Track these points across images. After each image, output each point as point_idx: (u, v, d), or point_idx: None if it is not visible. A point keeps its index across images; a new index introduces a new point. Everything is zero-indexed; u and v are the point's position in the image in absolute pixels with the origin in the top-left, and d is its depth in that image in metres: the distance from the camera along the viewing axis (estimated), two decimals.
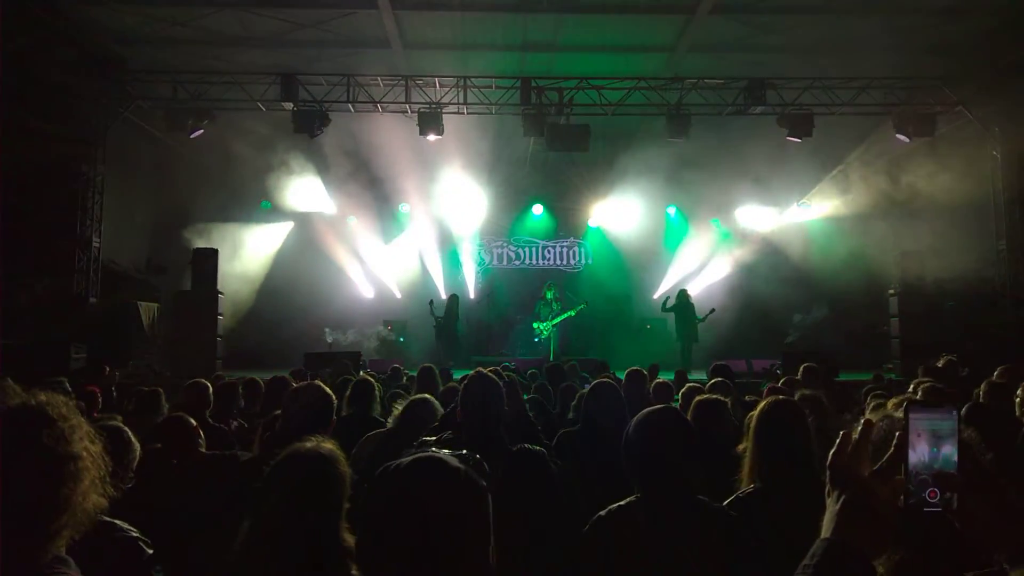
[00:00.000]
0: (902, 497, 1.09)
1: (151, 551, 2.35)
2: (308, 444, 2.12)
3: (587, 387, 4.99)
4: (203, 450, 3.77)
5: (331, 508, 1.99)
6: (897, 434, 1.11)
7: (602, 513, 2.65)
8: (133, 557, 2.28)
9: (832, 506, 1.12)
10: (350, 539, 2.00)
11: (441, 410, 4.26)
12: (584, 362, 11.72)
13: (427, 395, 4.50)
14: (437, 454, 1.50)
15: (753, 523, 2.66)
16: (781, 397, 3.14)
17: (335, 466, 2.08)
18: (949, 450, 1.11)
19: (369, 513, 1.44)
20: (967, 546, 1.10)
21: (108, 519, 2.06)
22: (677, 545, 2.47)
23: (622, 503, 2.65)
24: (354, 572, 1.90)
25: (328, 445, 2.14)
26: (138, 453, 3.11)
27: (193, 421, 3.79)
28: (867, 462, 1.12)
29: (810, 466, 2.86)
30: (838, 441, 1.15)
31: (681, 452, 2.63)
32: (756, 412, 2.98)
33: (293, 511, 1.97)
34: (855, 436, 1.14)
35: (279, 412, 4.50)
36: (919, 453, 1.11)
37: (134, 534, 2.32)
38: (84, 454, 1.49)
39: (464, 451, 1.74)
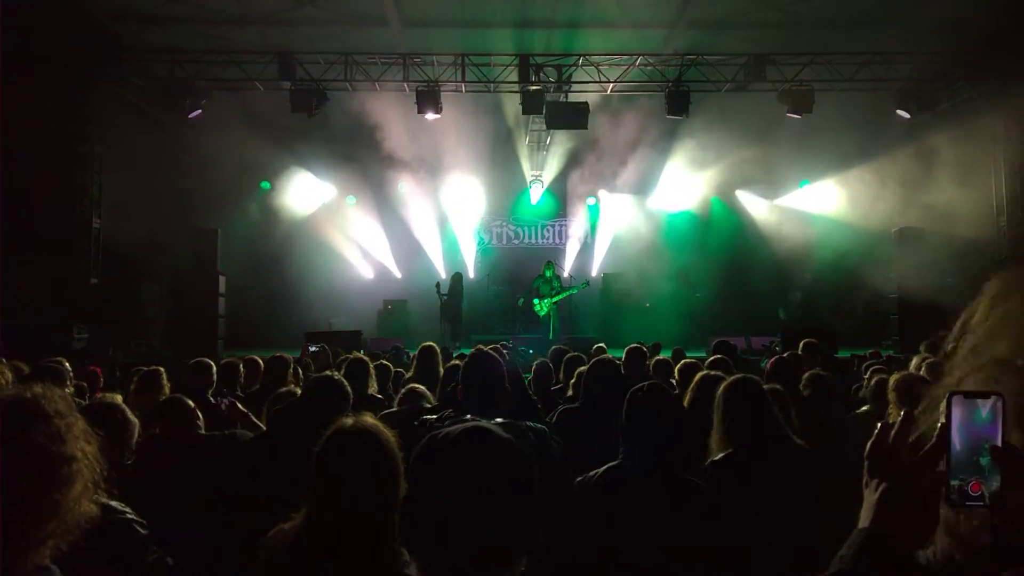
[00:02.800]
0: (943, 490, 1.03)
1: (145, 532, 2.32)
2: (349, 421, 2.02)
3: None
4: (202, 431, 3.77)
5: (385, 487, 1.90)
6: (939, 424, 1.06)
7: (580, 478, 2.86)
8: (127, 538, 2.25)
9: (870, 496, 1.09)
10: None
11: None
12: (579, 340, 11.73)
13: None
14: (482, 424, 1.41)
15: (729, 486, 2.89)
16: (743, 375, 3.37)
17: (386, 442, 1.97)
18: (994, 439, 1.03)
19: (421, 484, 1.37)
20: (1008, 543, 1.03)
21: (103, 500, 2.01)
22: (650, 513, 2.64)
23: (602, 468, 2.83)
24: (404, 552, 1.82)
25: (369, 418, 2.05)
26: (137, 431, 3.11)
27: (191, 402, 3.79)
28: (907, 452, 1.08)
29: (780, 435, 3.10)
30: (877, 431, 1.12)
31: (655, 425, 2.81)
32: (722, 388, 3.20)
33: (346, 492, 1.91)
34: (895, 426, 1.11)
35: (283, 391, 4.52)
36: (962, 443, 1.04)
37: (129, 515, 2.29)
38: (79, 455, 1.38)
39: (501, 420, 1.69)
